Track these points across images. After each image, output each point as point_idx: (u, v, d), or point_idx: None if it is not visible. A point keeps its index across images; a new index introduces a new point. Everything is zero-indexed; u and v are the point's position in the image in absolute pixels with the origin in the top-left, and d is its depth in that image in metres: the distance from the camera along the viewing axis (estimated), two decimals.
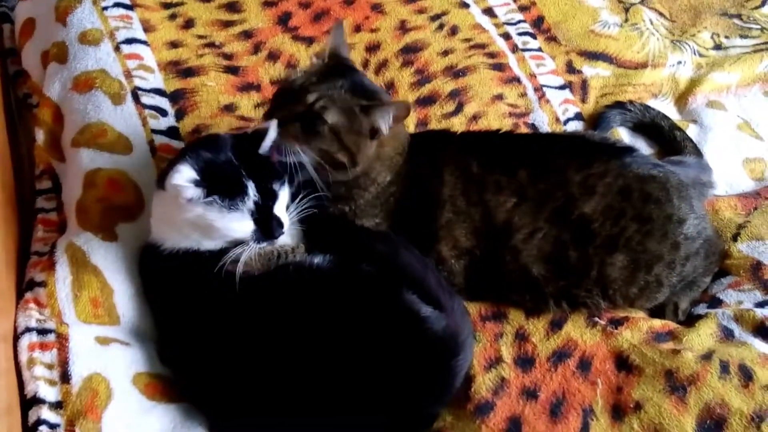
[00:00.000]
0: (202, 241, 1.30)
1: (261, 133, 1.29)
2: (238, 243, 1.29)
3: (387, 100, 1.40)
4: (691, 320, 1.47)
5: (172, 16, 1.80)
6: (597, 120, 1.76)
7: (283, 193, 1.31)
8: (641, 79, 1.85)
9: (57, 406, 1.25)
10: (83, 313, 1.37)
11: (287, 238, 1.36)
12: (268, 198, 1.29)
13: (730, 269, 1.54)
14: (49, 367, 1.29)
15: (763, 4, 2.05)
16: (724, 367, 1.33)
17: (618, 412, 1.32)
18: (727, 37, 1.98)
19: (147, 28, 1.75)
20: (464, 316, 1.36)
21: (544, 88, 1.79)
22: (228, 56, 1.75)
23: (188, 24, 1.79)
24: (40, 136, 1.63)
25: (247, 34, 1.80)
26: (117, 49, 1.68)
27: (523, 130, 1.70)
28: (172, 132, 1.59)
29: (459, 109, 1.71)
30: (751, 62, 1.91)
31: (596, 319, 1.42)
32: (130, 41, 1.70)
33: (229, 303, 1.28)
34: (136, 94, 1.62)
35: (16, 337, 1.32)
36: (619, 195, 1.39)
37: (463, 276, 1.42)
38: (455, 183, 1.40)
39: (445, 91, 1.73)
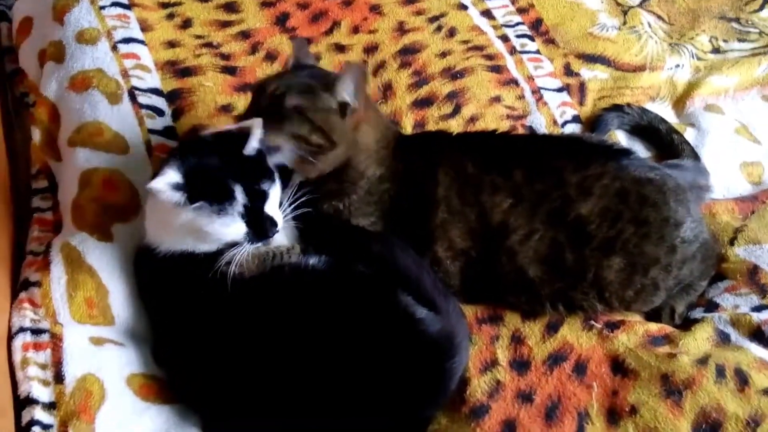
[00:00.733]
0: (197, 244, 1.30)
1: (246, 132, 1.29)
2: (233, 245, 1.29)
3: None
4: (687, 324, 1.46)
5: (170, 16, 1.80)
6: (594, 123, 1.75)
7: (274, 192, 1.31)
8: (639, 82, 1.84)
9: (50, 406, 1.24)
10: (78, 313, 1.37)
11: (282, 238, 1.35)
12: (257, 199, 1.28)
13: (727, 273, 1.53)
14: (43, 367, 1.28)
15: (761, 8, 2.04)
16: (720, 372, 1.33)
17: (613, 415, 1.32)
18: (725, 40, 1.98)
19: (144, 27, 1.74)
20: (460, 318, 1.36)
21: (542, 91, 1.79)
22: (225, 56, 1.74)
23: (186, 24, 1.79)
24: (36, 135, 1.63)
25: (244, 35, 1.79)
26: (114, 48, 1.67)
27: (521, 132, 1.70)
28: (168, 132, 1.59)
29: (456, 110, 1.70)
30: (749, 66, 1.91)
31: (592, 322, 1.42)
32: (127, 41, 1.70)
33: (225, 304, 1.28)
34: (132, 93, 1.61)
35: (10, 337, 1.32)
36: (616, 197, 1.38)
37: (458, 277, 1.42)
38: (450, 183, 1.40)
39: (443, 92, 1.73)
